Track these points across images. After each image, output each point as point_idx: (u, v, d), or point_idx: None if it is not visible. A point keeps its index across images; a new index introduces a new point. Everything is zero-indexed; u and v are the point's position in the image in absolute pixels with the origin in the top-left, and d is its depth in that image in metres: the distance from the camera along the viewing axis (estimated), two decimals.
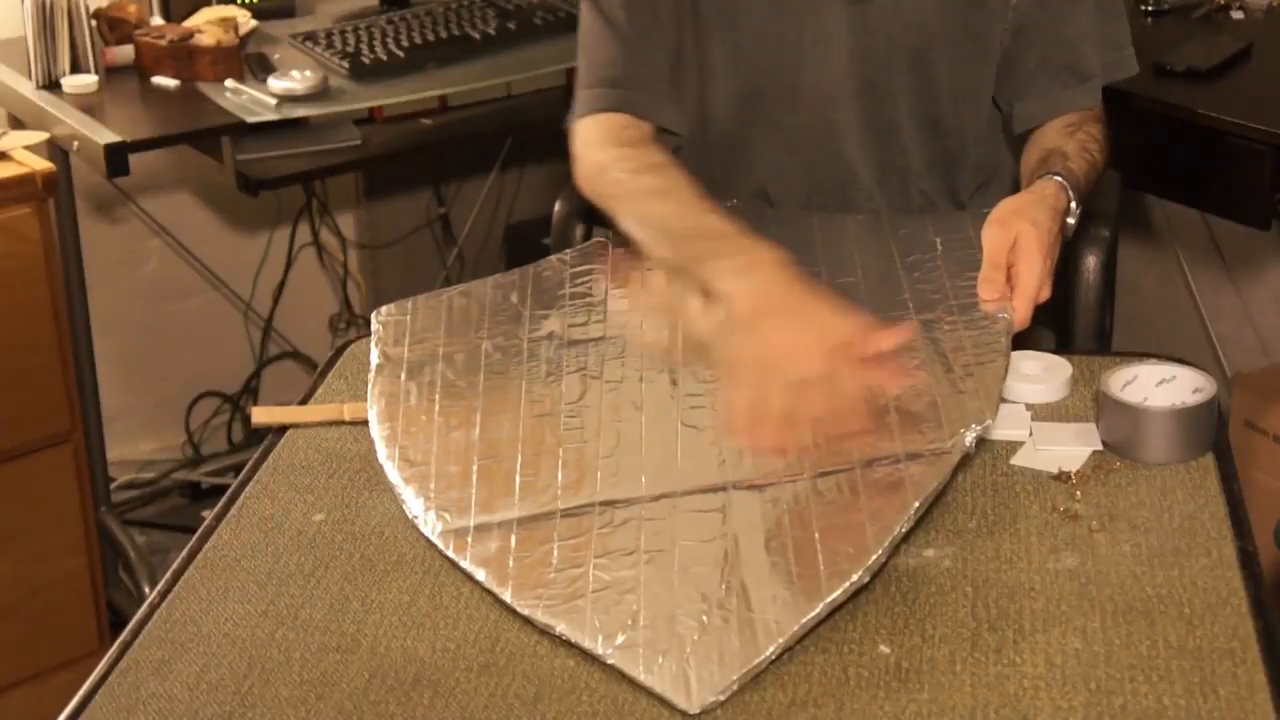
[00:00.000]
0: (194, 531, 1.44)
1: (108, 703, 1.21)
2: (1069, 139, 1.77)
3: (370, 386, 1.55)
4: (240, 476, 1.51)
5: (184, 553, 1.40)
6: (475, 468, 1.41)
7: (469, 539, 1.32)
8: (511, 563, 1.28)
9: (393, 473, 1.43)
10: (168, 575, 1.37)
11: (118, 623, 2.58)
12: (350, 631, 1.28)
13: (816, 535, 1.27)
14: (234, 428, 3.32)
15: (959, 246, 1.62)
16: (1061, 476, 1.45)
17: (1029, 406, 1.54)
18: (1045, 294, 1.59)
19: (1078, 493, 1.43)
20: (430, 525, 1.35)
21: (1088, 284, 1.92)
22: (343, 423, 1.57)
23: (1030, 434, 1.50)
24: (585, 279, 1.67)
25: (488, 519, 1.34)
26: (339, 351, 1.74)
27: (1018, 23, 1.79)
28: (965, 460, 1.39)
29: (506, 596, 1.25)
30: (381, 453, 1.46)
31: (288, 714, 1.19)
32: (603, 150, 1.74)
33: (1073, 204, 1.66)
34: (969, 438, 1.36)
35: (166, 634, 1.29)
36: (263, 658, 1.25)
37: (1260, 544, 1.37)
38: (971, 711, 1.17)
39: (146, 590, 2.62)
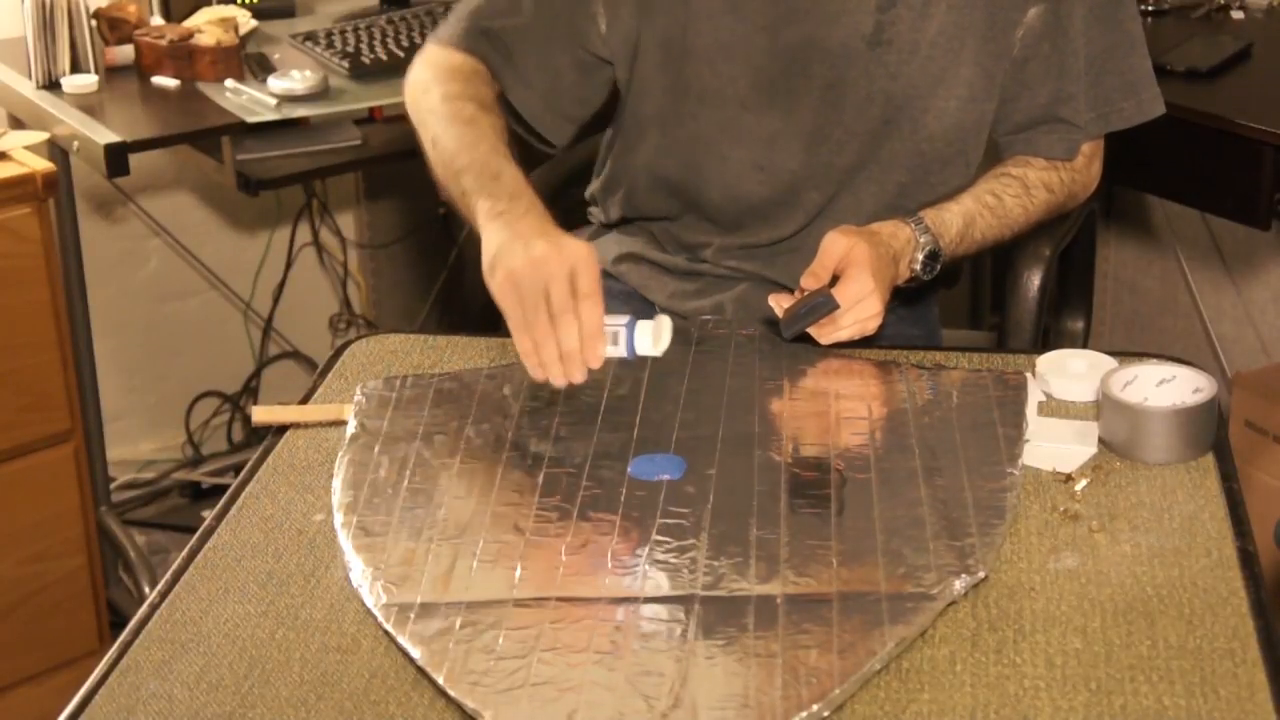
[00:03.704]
0: (194, 531, 1.44)
1: (108, 703, 1.21)
2: (1026, 167, 1.79)
3: (340, 454, 1.51)
4: (240, 476, 1.51)
5: (184, 553, 1.40)
6: (432, 547, 1.36)
7: (411, 615, 1.27)
8: (451, 645, 1.23)
9: (345, 541, 1.38)
10: (168, 575, 1.37)
11: (118, 623, 2.58)
12: (350, 631, 1.28)
13: (780, 657, 1.21)
14: (234, 428, 3.32)
15: (975, 409, 1.55)
16: (1061, 476, 1.45)
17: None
18: (873, 325, 1.61)
19: (1078, 493, 1.43)
20: (375, 597, 1.30)
21: (1024, 300, 1.92)
22: (343, 423, 1.57)
23: (1030, 433, 1.51)
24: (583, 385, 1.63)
25: (435, 599, 1.29)
26: (339, 351, 1.74)
27: (1022, 54, 1.75)
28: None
29: (440, 679, 1.20)
30: (337, 519, 1.41)
31: (288, 714, 1.19)
32: (437, 73, 1.75)
33: (919, 253, 1.69)
34: (957, 585, 1.28)
35: (166, 634, 1.29)
36: (263, 658, 1.25)
37: (1260, 544, 1.37)
38: (971, 711, 1.17)
39: (146, 590, 2.62)
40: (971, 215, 1.74)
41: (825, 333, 1.62)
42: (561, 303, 1.42)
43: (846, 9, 1.71)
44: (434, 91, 1.72)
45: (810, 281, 1.63)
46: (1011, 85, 1.77)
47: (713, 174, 1.80)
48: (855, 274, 1.60)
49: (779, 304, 1.64)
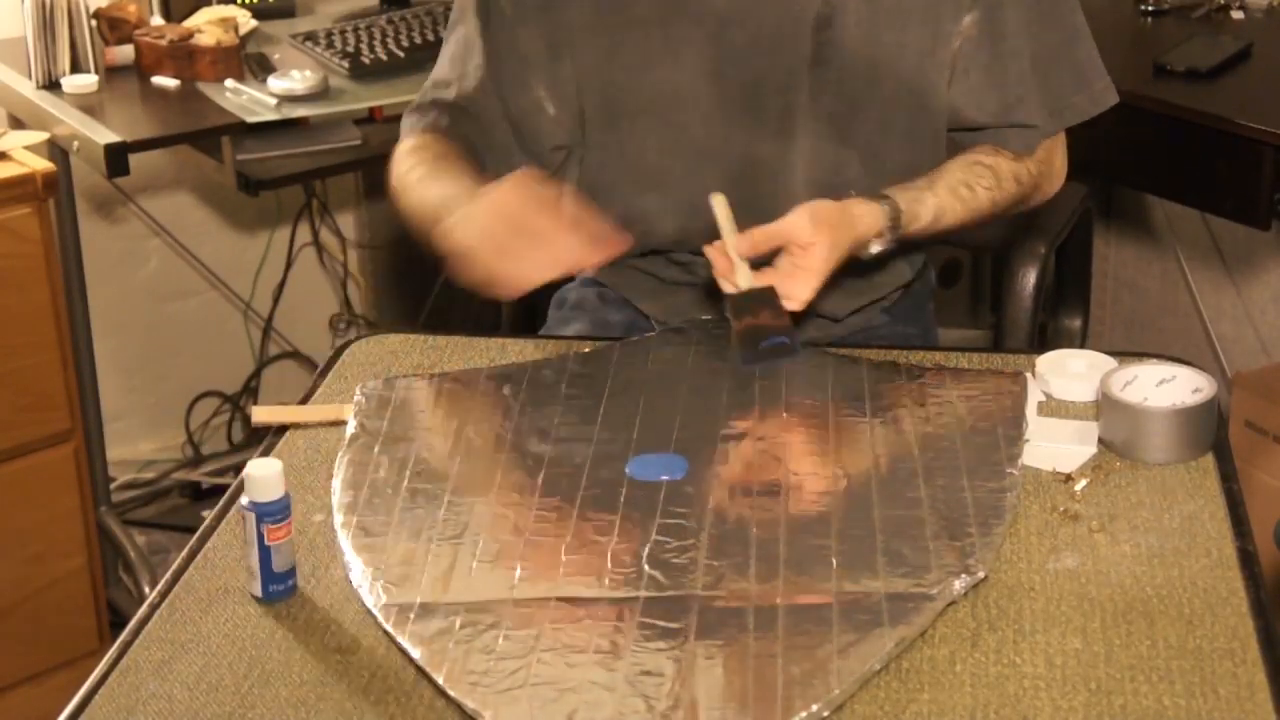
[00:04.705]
0: (194, 531, 1.44)
1: (108, 703, 1.22)
2: (998, 157, 1.76)
3: (340, 454, 1.51)
4: (240, 476, 1.51)
5: (184, 553, 1.40)
6: (432, 547, 1.36)
7: (411, 615, 1.27)
8: (451, 645, 1.23)
9: (345, 541, 1.38)
10: (168, 575, 1.37)
11: (118, 623, 2.58)
12: (350, 631, 1.28)
13: (780, 657, 1.21)
14: (234, 428, 3.32)
15: (975, 408, 1.54)
16: (1061, 476, 1.45)
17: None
18: (799, 298, 1.59)
19: (1078, 493, 1.43)
20: (375, 597, 1.30)
21: (1020, 298, 1.92)
22: (342, 423, 1.57)
23: (1030, 433, 1.50)
24: (585, 380, 1.62)
25: (435, 599, 1.29)
26: (339, 351, 1.74)
27: (964, 65, 1.73)
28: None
29: (440, 679, 1.20)
30: (337, 519, 1.41)
31: (288, 714, 1.19)
32: (398, 162, 1.76)
33: (875, 244, 1.66)
34: (957, 585, 1.28)
35: (166, 634, 1.29)
36: (263, 658, 1.25)
37: (1260, 544, 1.37)
38: (971, 711, 1.17)
39: (146, 590, 2.62)
40: (942, 209, 1.71)
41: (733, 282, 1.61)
42: (547, 226, 1.52)
43: (784, 34, 1.70)
44: (399, 167, 1.74)
45: (745, 246, 1.60)
46: (958, 97, 1.75)
47: (680, 217, 1.77)
48: (803, 278, 1.59)
49: (727, 279, 1.62)
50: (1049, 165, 1.82)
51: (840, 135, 1.74)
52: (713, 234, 1.64)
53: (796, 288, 1.59)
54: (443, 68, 1.82)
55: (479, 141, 1.78)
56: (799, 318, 1.64)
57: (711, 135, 1.75)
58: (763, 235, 1.60)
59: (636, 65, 1.73)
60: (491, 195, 1.55)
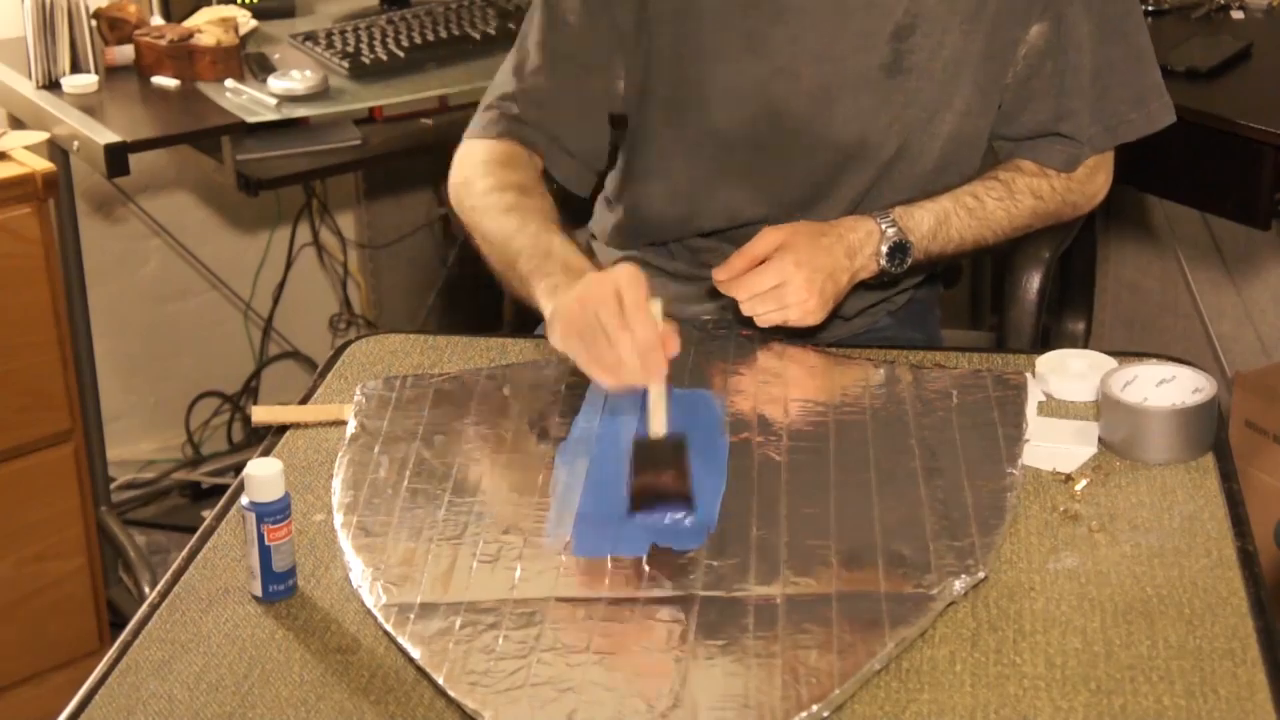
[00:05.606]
0: (194, 531, 1.44)
1: (108, 703, 1.22)
2: (1015, 172, 1.77)
3: (340, 454, 1.51)
4: (240, 476, 1.51)
5: (184, 553, 1.40)
6: (432, 547, 1.36)
7: (411, 616, 1.27)
8: (451, 645, 1.23)
9: (345, 541, 1.38)
10: (168, 575, 1.37)
11: (118, 623, 2.58)
12: (350, 631, 1.28)
13: (779, 657, 1.21)
14: (234, 428, 3.32)
15: (975, 409, 1.54)
16: (1061, 476, 1.45)
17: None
18: (800, 310, 1.61)
19: (1078, 492, 1.43)
20: (375, 597, 1.30)
21: (1025, 303, 1.92)
22: (342, 423, 1.57)
23: (1030, 433, 1.50)
24: (585, 379, 1.61)
25: (436, 599, 1.29)
26: (339, 351, 1.74)
27: (1026, 72, 1.74)
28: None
29: (440, 679, 1.20)
30: (338, 520, 1.41)
31: (288, 714, 1.19)
32: (474, 168, 1.74)
33: (884, 245, 1.68)
34: (957, 585, 1.29)
35: (166, 634, 1.29)
36: (263, 658, 1.25)
37: (1260, 544, 1.38)
38: (971, 711, 1.17)
39: (146, 590, 2.62)
40: (946, 213, 1.73)
41: (747, 307, 1.63)
42: (611, 323, 1.40)
43: (864, 45, 1.70)
44: (476, 187, 1.72)
45: (723, 273, 1.63)
46: (1015, 100, 1.76)
47: (720, 209, 1.79)
48: (774, 260, 1.61)
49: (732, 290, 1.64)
50: (1089, 183, 1.82)
51: (902, 145, 1.74)
52: (761, 223, 1.68)
53: (789, 294, 1.60)
54: (528, 54, 1.79)
55: (560, 133, 1.77)
56: (817, 327, 1.65)
57: (779, 130, 1.74)
58: (737, 257, 1.64)
59: (717, 52, 1.72)
60: (585, 282, 1.48)
